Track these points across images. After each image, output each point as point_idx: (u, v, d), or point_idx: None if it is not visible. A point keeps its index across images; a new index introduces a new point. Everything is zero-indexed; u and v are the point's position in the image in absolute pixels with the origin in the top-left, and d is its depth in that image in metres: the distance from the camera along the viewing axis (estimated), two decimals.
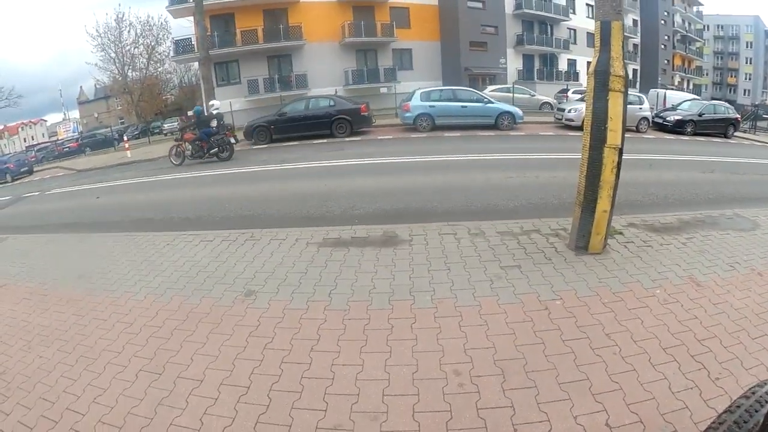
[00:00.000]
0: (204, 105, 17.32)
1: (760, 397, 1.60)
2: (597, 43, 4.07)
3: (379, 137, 16.06)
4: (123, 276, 4.52)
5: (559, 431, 2.27)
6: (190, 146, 13.70)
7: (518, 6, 35.25)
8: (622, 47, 4.05)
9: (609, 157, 3.99)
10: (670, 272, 4.00)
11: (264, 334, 3.21)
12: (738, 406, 1.63)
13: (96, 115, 54.50)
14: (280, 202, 7.68)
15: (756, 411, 1.54)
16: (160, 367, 2.96)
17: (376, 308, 3.45)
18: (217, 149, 13.58)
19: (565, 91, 28.68)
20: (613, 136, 3.98)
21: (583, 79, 32.06)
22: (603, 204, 4.06)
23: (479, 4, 33.08)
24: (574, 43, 38.71)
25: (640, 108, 18.07)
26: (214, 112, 14.57)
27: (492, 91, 24.68)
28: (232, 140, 13.98)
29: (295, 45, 28.11)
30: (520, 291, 3.61)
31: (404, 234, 4.94)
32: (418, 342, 3.00)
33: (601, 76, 4.00)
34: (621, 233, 4.80)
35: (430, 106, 16.78)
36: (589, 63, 4.38)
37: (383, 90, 28.35)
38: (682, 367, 2.78)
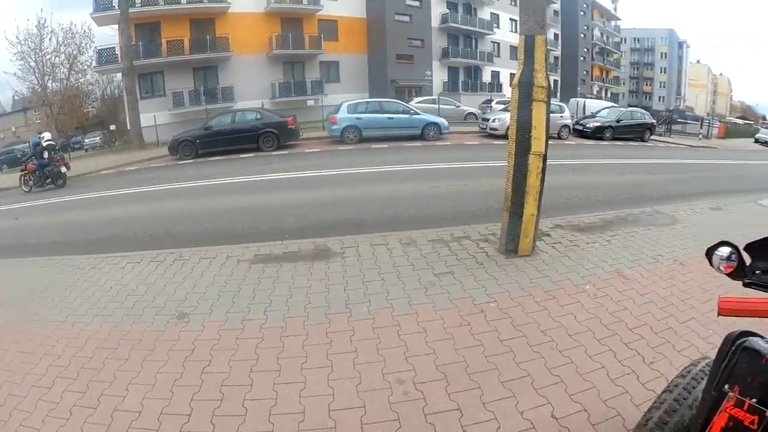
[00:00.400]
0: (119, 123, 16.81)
1: (695, 374, 1.68)
2: (521, 56, 4.26)
3: (307, 150, 15.99)
4: (47, 304, 4.19)
5: (507, 428, 2.32)
6: (31, 176, 14.08)
7: (444, 20, 36.48)
8: (545, 60, 4.27)
9: (534, 164, 4.18)
10: (597, 268, 4.23)
11: (201, 358, 3.07)
12: (676, 386, 1.70)
13: (14, 129, 50.43)
14: (208, 219, 7.45)
15: (693, 388, 1.61)
16: (95, 400, 2.75)
17: (313, 323, 3.41)
18: (50, 179, 14.03)
19: (489, 101, 29.93)
20: (537, 144, 4.18)
21: (507, 90, 33.53)
22: (530, 208, 4.24)
23: (406, 18, 33.89)
24: (498, 56, 40.47)
25: (561, 116, 19.11)
26: (45, 143, 14.46)
27: (418, 102, 25.28)
28: (63, 169, 14.17)
29: (221, 56, 27.52)
30: (455, 296, 3.68)
31: (336, 247, 4.93)
32: (358, 354, 2.99)
33: (525, 87, 4.20)
34: (548, 235, 5.04)
35: (357, 119, 16.88)
36: (512, 75, 4.58)
37: (310, 103, 28.20)
38: (617, 355, 2.94)
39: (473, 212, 6.74)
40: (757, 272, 1.25)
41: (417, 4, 34.66)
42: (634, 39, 74.11)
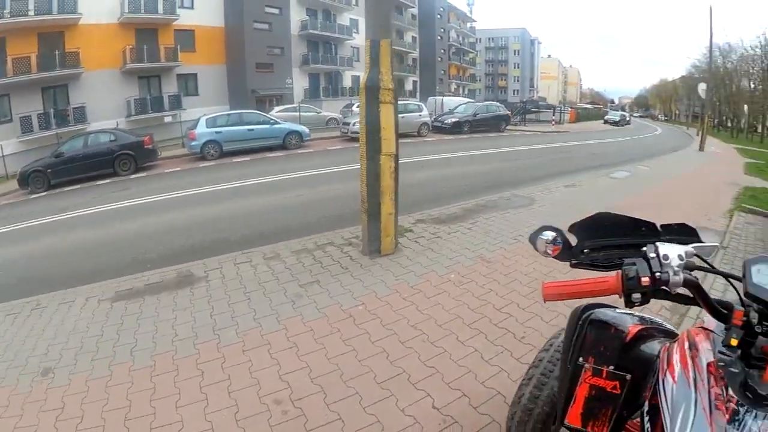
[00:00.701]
0: None
1: (558, 346, 1.75)
2: (367, 60, 4.36)
3: (167, 170, 15.03)
4: None
5: (391, 428, 2.34)
6: None
7: (304, 27, 36.35)
8: (391, 63, 4.37)
9: (386, 164, 4.30)
10: (460, 256, 4.45)
11: (72, 415, 2.75)
12: (540, 360, 1.79)
13: None
14: (62, 259, 6.72)
15: (558, 360, 1.67)
16: None
17: (182, 356, 3.20)
18: None
19: (350, 105, 30.52)
20: (387, 145, 4.30)
21: None
22: (387, 207, 4.35)
23: (265, 26, 33.28)
24: (357, 60, 41.13)
25: (420, 115, 20.11)
26: None
27: (279, 111, 25.05)
28: None
29: (72, 73, 24.43)
30: (322, 305, 3.66)
31: (199, 271, 4.70)
32: (232, 381, 2.86)
33: (372, 90, 4.30)
34: (411, 230, 5.20)
35: (217, 132, 16.35)
36: None
37: (168, 119, 26.61)
38: (488, 337, 3.11)
39: (338, 216, 6.75)
40: (585, 251, 1.28)
41: (276, 11, 34.16)
42: (489, 39, 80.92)
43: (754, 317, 0.99)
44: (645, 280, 1.03)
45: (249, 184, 10.85)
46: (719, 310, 1.07)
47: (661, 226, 1.24)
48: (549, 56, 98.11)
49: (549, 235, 1.23)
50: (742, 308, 1.02)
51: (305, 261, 4.57)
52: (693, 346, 1.10)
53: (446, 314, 3.44)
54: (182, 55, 28.81)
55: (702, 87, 25.96)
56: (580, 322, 1.41)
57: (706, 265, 1.18)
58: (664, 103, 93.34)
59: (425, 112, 21.06)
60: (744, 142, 39.22)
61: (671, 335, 1.33)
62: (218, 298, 4.03)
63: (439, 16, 56.90)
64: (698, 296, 1.09)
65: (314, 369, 2.87)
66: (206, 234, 6.85)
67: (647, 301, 1.07)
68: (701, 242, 1.19)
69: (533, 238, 1.26)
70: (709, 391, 0.94)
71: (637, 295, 1.05)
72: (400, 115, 17.23)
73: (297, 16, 36.31)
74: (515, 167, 11.66)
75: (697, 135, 26.04)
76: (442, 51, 58.14)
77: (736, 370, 0.99)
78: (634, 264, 1.07)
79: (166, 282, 4.56)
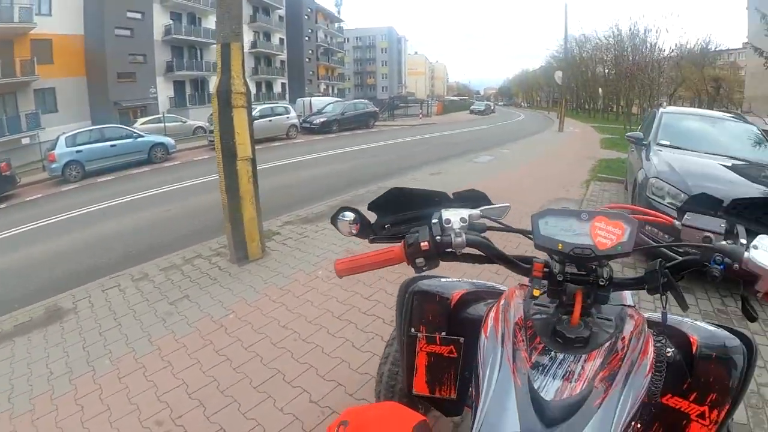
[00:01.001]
0: None
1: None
2: (219, 64, 4.25)
3: (27, 199, 13.39)
4: None
5: (272, 429, 2.36)
6: None
7: (168, 32, 34.17)
8: (242, 66, 4.31)
9: (243, 169, 4.26)
10: (328, 252, 4.54)
11: None
12: (393, 338, 1.85)
13: None
14: None
15: None
16: None
17: (59, 395, 2.97)
18: None
19: None
20: (243, 149, 4.26)
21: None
22: (249, 213, 4.32)
23: (127, 32, 30.78)
24: None
25: (288, 117, 20.02)
26: None
27: (143, 124, 23.66)
28: None
29: None
30: (193, 319, 3.57)
31: (67, 303, 4.34)
32: (111, 411, 2.71)
33: (224, 95, 4.21)
34: (278, 233, 5.20)
35: (78, 152, 14.99)
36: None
37: (26, 140, 23.53)
38: (358, 326, 3.26)
39: (207, 227, 6.56)
40: (386, 226, 1.30)
41: (138, 16, 31.69)
42: (357, 38, 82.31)
43: (555, 266, 1.07)
44: (424, 244, 1.09)
45: (112, 204, 10.10)
46: (520, 265, 1.13)
47: (453, 194, 1.29)
48: (416, 53, 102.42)
49: (349, 215, 1.25)
50: (542, 260, 1.10)
51: (174, 277, 4.40)
52: (507, 304, 1.16)
53: (316, 310, 3.52)
54: (39, 68, 25.65)
55: (558, 74, 28.67)
56: (407, 295, 1.47)
57: (499, 225, 1.24)
58: (527, 91, 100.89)
59: (293, 114, 20.99)
60: (601, 120, 43.43)
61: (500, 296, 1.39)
62: (89, 328, 3.77)
63: (306, 17, 56.70)
64: (490, 254, 1.14)
65: (191, 384, 2.80)
66: (66, 264, 6.29)
67: (435, 265, 1.13)
68: (491, 204, 1.26)
69: (334, 221, 1.27)
70: (513, 343, 1.00)
71: (420, 260, 1.11)
72: (267, 119, 17.03)
73: (160, 20, 34.05)
74: (383, 161, 12.00)
75: (557, 118, 28.43)
76: (311, 52, 58.08)
77: (548, 319, 1.07)
78: (417, 232, 1.13)
79: (35, 320, 4.17)
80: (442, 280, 1.54)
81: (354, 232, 1.26)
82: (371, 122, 25.03)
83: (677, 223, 1.20)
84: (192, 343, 3.23)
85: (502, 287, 1.47)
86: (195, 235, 6.18)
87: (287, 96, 46.83)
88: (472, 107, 51.80)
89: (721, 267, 1.02)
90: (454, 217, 1.12)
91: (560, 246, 1.02)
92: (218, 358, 3.02)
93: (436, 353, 1.40)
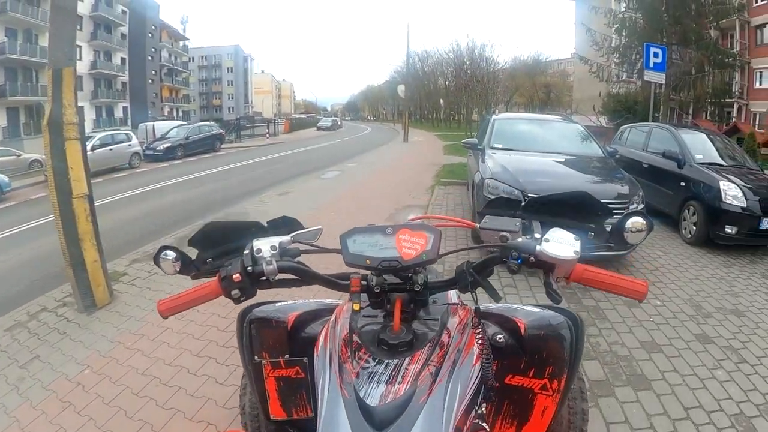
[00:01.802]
0: None
1: None
2: (49, 91, 3.80)
3: None
4: None
5: None
6: None
7: (1, 51, 29.81)
8: (75, 93, 3.89)
9: (80, 207, 3.87)
10: (179, 288, 4.07)
11: None
12: (245, 387, 1.80)
13: None
14: None
15: None
16: None
17: None
18: None
19: None
20: (79, 186, 3.87)
21: None
22: (90, 255, 3.94)
23: None
24: None
25: (130, 145, 18.58)
26: None
27: None
28: None
29: None
30: (48, 382, 3.14)
31: None
32: None
33: (56, 127, 3.79)
34: (125, 273, 4.82)
35: None
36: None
37: None
38: (219, 360, 3.19)
39: (50, 274, 5.76)
40: (208, 261, 1.30)
41: None
42: (202, 57, 78.13)
43: (372, 280, 1.13)
44: (236, 276, 1.12)
45: None
46: (338, 283, 1.19)
47: (267, 222, 1.32)
48: (263, 71, 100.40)
49: (170, 254, 1.25)
50: (358, 276, 1.15)
51: (21, 337, 3.82)
52: (335, 321, 1.21)
53: (173, 351, 3.35)
54: None
55: (401, 88, 30.25)
56: (245, 324, 1.47)
57: (312, 248, 1.30)
58: (372, 105, 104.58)
59: (135, 141, 19.52)
60: (444, 129, 46.45)
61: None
62: None
63: (150, 35, 52.70)
64: (305, 277, 1.18)
65: None
66: None
67: (251, 294, 1.17)
68: (303, 229, 1.29)
69: (157, 260, 1.27)
70: (339, 357, 1.04)
71: (236, 291, 1.14)
72: (108, 147, 15.65)
73: None
74: (229, 185, 11.78)
75: (402, 129, 29.88)
76: (154, 72, 54.15)
77: (374, 330, 1.12)
78: (230, 265, 1.16)
79: None
80: (278, 304, 1.55)
81: (177, 269, 1.25)
82: (217, 145, 24.49)
83: (477, 226, 1.34)
84: (51, 409, 2.84)
85: (337, 302, 1.50)
86: (39, 285, 5.42)
87: (129, 121, 43.36)
88: (319, 124, 52.99)
89: (518, 261, 1.16)
90: (265, 246, 1.15)
91: (368, 261, 1.09)
92: (80, 420, 2.71)
93: (284, 377, 1.41)
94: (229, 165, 16.91)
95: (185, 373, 3.07)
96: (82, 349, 3.48)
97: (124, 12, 46.33)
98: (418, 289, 1.12)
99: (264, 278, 1.15)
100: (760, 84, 25.28)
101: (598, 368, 3.34)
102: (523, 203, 1.36)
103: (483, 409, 1.22)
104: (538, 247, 1.12)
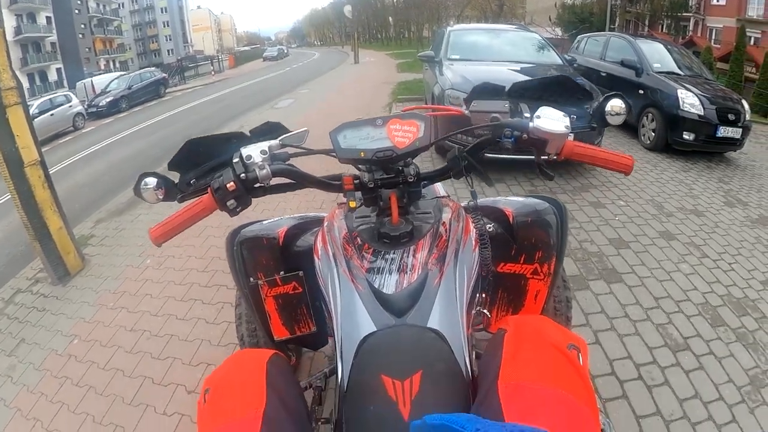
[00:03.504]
0: None
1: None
2: None
3: None
4: None
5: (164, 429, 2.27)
6: None
7: None
8: (8, 56, 3.58)
9: (34, 175, 3.67)
10: (146, 241, 4.24)
11: None
12: (240, 316, 1.84)
13: None
14: None
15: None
16: None
17: None
18: None
19: None
20: (28, 153, 3.65)
21: None
22: (54, 223, 3.78)
23: None
24: None
25: (70, 106, 17.34)
26: None
27: None
28: None
29: None
30: (39, 362, 3.04)
31: None
32: None
33: None
34: (93, 235, 4.67)
35: None
36: None
37: None
38: (204, 300, 3.23)
39: (20, 254, 5.41)
40: (192, 182, 1.23)
41: None
42: (132, 1, 71.71)
43: (364, 176, 1.13)
44: (230, 185, 1.07)
45: None
46: (331, 183, 1.18)
47: (250, 131, 1.26)
48: (199, 7, 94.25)
49: (151, 181, 1.17)
50: (350, 175, 1.16)
51: (1, 325, 3.65)
52: (331, 225, 1.22)
53: (157, 301, 3.34)
54: None
55: (348, 8, 29.08)
56: (235, 247, 1.46)
57: (301, 150, 1.26)
58: (318, 29, 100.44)
59: (76, 101, 18.22)
60: (395, 47, 45.18)
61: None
62: None
63: None
64: (299, 179, 1.16)
65: (65, 430, 2.47)
66: None
67: (247, 203, 1.13)
68: (289, 132, 1.25)
69: (138, 191, 1.19)
70: (345, 256, 1.06)
71: (231, 202, 1.10)
72: (49, 113, 14.68)
73: None
74: (182, 128, 11.47)
75: (352, 50, 29.06)
76: (83, 26, 50.63)
77: (372, 227, 1.14)
78: (221, 176, 1.11)
79: None
80: (265, 222, 1.55)
81: (160, 197, 1.19)
82: (162, 90, 23.45)
83: (466, 111, 1.35)
84: (49, 389, 2.79)
85: (324, 214, 1.48)
86: (6, 269, 5.15)
87: (65, 82, 40.71)
88: (264, 54, 51.18)
89: (512, 140, 1.17)
90: (254, 151, 1.11)
91: (362, 154, 1.09)
92: (81, 391, 2.69)
93: (282, 294, 1.42)
94: (178, 108, 16.32)
95: (174, 320, 3.09)
96: (66, 320, 3.41)
97: None
98: (411, 180, 1.13)
99: (258, 185, 1.12)
100: (717, 0, 25.33)
101: (572, 265, 3.54)
102: (507, 89, 1.36)
103: (480, 296, 1.29)
104: (531, 124, 1.13)
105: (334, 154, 1.14)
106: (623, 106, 1.25)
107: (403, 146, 1.09)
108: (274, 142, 1.15)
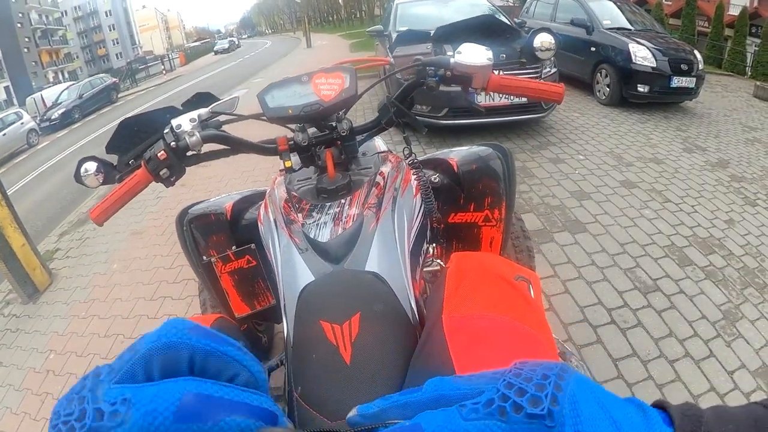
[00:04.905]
0: None
1: None
2: None
3: None
4: None
5: None
6: None
7: None
8: None
9: None
10: (113, 242, 4.28)
11: None
12: (204, 303, 1.84)
13: None
14: None
15: None
16: None
17: None
18: None
19: None
20: None
21: None
22: (17, 240, 3.64)
23: None
24: None
25: (22, 123, 16.63)
26: None
27: None
28: None
29: None
30: (18, 382, 2.95)
31: None
32: None
33: None
34: (58, 249, 4.53)
35: None
36: None
37: None
38: (174, 296, 3.21)
39: None
40: (130, 162, 1.21)
41: None
42: (75, 7, 69.02)
43: (297, 136, 1.13)
44: (161, 154, 1.07)
45: None
46: (265, 147, 1.18)
47: (181, 105, 1.25)
48: (144, 7, 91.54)
49: (90, 166, 1.17)
50: (284, 136, 1.16)
51: None
52: (272, 191, 1.20)
53: (128, 304, 3.30)
54: None
55: None
56: (184, 227, 1.45)
57: (232, 117, 1.24)
58: (268, 17, 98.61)
59: (27, 117, 17.52)
60: (347, 29, 44.77)
61: None
62: None
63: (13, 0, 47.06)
64: (232, 144, 1.15)
65: None
66: None
67: (181, 172, 1.13)
68: (220, 100, 1.25)
69: (78, 177, 1.18)
70: (283, 215, 1.05)
71: (164, 171, 1.09)
72: (1, 133, 14.10)
73: None
74: None
75: (304, 36, 28.74)
76: (27, 39, 49.12)
77: (311, 185, 1.14)
78: (152, 149, 1.11)
79: None
80: (212, 199, 1.55)
81: (101, 181, 1.18)
82: (114, 96, 22.74)
83: (390, 58, 1.35)
84: (32, 407, 2.72)
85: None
86: None
87: (15, 99, 39.35)
88: (215, 48, 50.25)
89: (436, 78, 1.18)
90: (184, 120, 1.10)
91: (290, 111, 1.09)
92: None
93: (237, 269, 1.41)
94: (132, 111, 15.77)
95: (145, 320, 3.07)
96: (40, 337, 3.32)
97: None
98: (344, 134, 1.13)
99: (190, 153, 1.11)
100: None
101: (535, 219, 3.58)
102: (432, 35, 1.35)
103: (434, 249, 1.28)
104: (452, 60, 1.14)
105: (263, 118, 1.14)
106: (552, 40, 1.25)
107: (329, 99, 1.09)
108: (203, 110, 1.14)
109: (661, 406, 0.36)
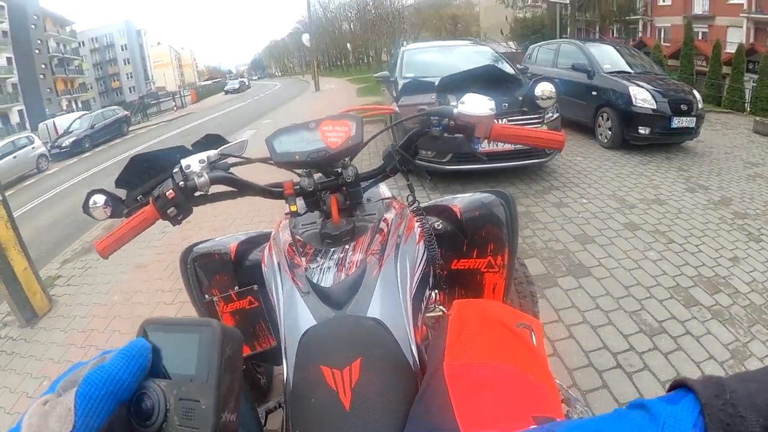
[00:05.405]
0: None
1: None
2: None
3: None
4: None
5: None
6: None
7: None
8: None
9: None
10: (116, 274, 4.28)
11: None
12: None
13: None
14: None
15: None
16: None
17: None
18: None
19: None
20: None
21: None
22: (19, 264, 3.66)
23: None
24: None
25: (33, 147, 16.90)
26: None
27: None
28: None
29: None
30: (10, 407, 2.90)
31: None
32: None
33: None
34: (60, 276, 4.55)
35: None
36: None
37: None
38: None
39: None
40: (138, 198, 1.23)
41: None
42: (93, 39, 71.28)
43: (304, 180, 1.15)
44: (169, 193, 1.08)
45: None
46: (272, 190, 1.19)
47: (191, 145, 1.27)
48: (159, 43, 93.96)
49: (99, 199, 1.19)
50: (290, 180, 1.17)
51: None
52: (277, 234, 1.21)
53: (126, 338, 3.05)
54: None
55: (306, 37, 29.38)
56: (188, 265, 1.46)
57: (241, 159, 1.25)
58: (278, 60, 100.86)
59: (38, 142, 17.81)
60: (354, 73, 45.83)
61: None
62: None
63: (33, 27, 48.19)
64: (239, 187, 1.17)
65: None
66: None
67: (188, 211, 1.14)
68: (229, 143, 1.25)
69: (86, 208, 1.19)
70: (287, 258, 1.05)
71: (171, 210, 1.10)
72: (12, 156, 14.21)
73: None
74: None
75: (312, 79, 29.29)
76: (44, 66, 50.06)
77: (315, 230, 1.15)
78: (162, 186, 1.12)
79: None
80: (216, 239, 1.56)
81: (108, 214, 1.20)
82: (125, 128, 23.07)
83: (396, 107, 1.37)
84: None
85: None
86: None
87: (28, 124, 40.12)
88: (226, 87, 51.30)
89: (440, 127, 1.20)
90: (193, 161, 1.12)
91: (297, 156, 1.10)
92: None
93: (239, 309, 1.41)
94: (142, 145, 15.99)
95: None
96: (35, 362, 3.29)
97: (1, 7, 42.12)
98: (349, 180, 1.14)
99: (198, 194, 1.12)
100: (663, 0, 26.33)
101: (538, 264, 3.55)
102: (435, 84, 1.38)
103: (437, 295, 1.28)
104: (455, 110, 1.17)
105: (271, 162, 1.15)
106: (552, 89, 1.30)
107: (335, 146, 1.10)
108: (212, 152, 1.16)
109: (682, 383, 0.38)
